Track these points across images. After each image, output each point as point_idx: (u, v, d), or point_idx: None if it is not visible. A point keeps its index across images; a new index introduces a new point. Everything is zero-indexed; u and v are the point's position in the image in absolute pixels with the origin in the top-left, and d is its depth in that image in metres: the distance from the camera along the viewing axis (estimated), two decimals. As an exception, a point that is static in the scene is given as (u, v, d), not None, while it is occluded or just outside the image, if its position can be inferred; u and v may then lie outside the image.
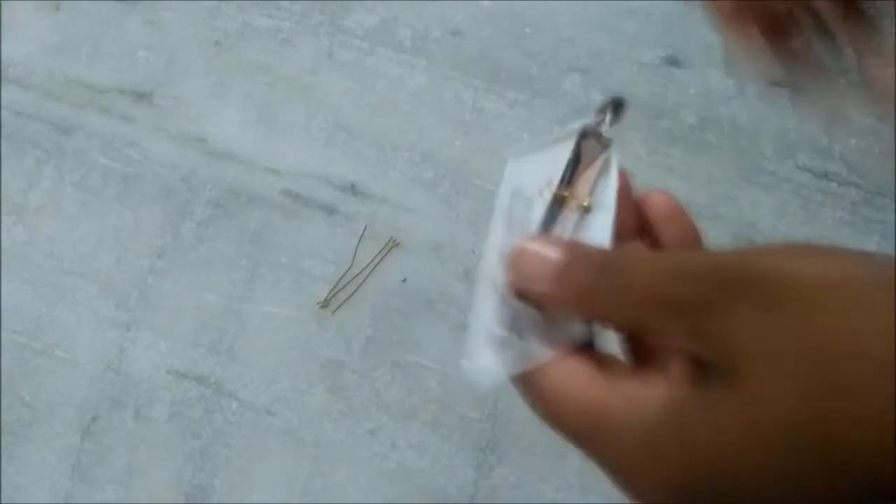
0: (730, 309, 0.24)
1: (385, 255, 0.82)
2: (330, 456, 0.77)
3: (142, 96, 0.89)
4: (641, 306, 0.26)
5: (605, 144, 0.33)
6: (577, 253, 0.29)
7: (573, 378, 0.29)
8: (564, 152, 0.33)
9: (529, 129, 0.87)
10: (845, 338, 0.22)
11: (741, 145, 0.87)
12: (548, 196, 0.32)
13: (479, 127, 0.87)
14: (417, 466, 0.77)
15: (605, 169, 0.33)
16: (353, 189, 0.85)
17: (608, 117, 0.34)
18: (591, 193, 0.32)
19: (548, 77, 0.89)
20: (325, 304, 0.81)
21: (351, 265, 0.82)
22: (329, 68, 0.90)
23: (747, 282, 0.24)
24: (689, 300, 0.25)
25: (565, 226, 0.32)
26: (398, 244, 0.83)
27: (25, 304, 0.82)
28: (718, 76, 0.89)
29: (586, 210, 0.32)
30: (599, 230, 0.31)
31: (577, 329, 0.30)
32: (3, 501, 0.77)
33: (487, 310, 0.32)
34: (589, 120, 0.34)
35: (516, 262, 0.30)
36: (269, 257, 0.83)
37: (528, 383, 0.30)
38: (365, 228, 0.83)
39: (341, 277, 0.81)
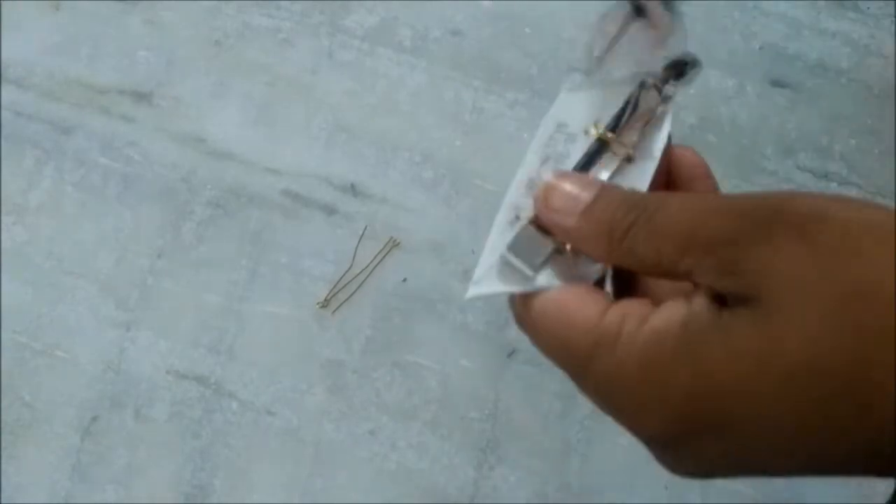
0: (768, 241, 0.23)
1: (385, 255, 0.82)
2: (330, 456, 0.77)
3: (142, 96, 0.89)
4: (671, 241, 0.25)
5: (664, 99, 0.32)
6: (608, 190, 0.28)
7: (583, 300, 0.27)
8: (620, 97, 0.32)
9: (529, 129, 0.87)
10: (883, 283, 0.21)
11: (741, 145, 0.87)
12: (593, 135, 0.31)
13: (479, 127, 0.87)
14: (417, 466, 0.77)
15: (657, 123, 0.32)
16: (353, 189, 0.85)
17: (674, 74, 0.33)
18: (636, 144, 0.31)
19: (548, 77, 0.89)
20: (325, 304, 0.81)
21: (351, 265, 0.82)
22: (329, 68, 0.90)
23: (788, 218, 0.23)
24: (725, 234, 0.24)
25: (602, 170, 0.31)
26: (398, 244, 0.83)
27: (25, 304, 0.82)
28: (718, 76, 0.89)
29: (629, 159, 0.31)
30: (638, 180, 0.30)
31: (592, 272, 0.29)
32: (3, 501, 0.77)
33: (504, 237, 0.31)
34: (655, 73, 0.33)
35: (546, 193, 0.29)
36: (269, 257, 0.83)
37: (533, 303, 0.28)
38: (365, 228, 0.83)
39: (341, 277, 0.81)
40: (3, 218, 0.84)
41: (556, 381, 0.79)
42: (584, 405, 0.78)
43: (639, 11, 0.33)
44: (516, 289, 0.29)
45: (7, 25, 0.91)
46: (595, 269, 0.29)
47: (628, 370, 0.25)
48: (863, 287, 0.22)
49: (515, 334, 0.80)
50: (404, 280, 0.82)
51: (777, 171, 0.86)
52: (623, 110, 0.32)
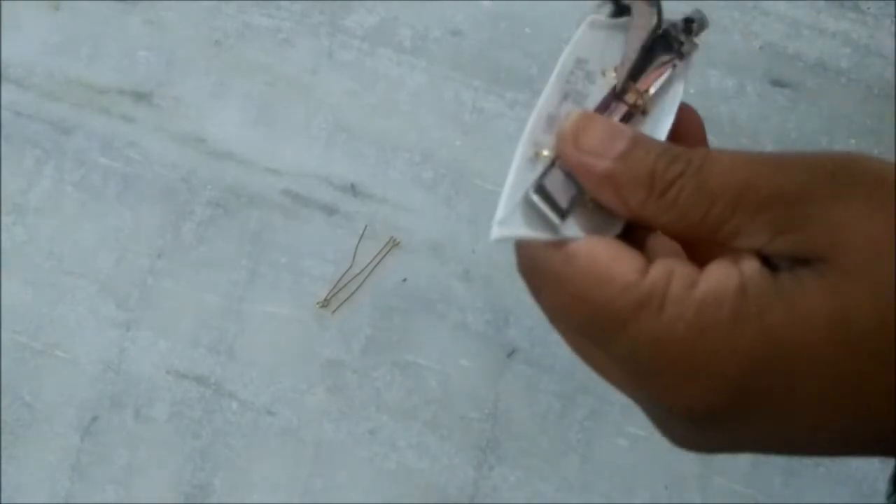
0: (838, 199, 0.21)
1: (385, 255, 0.82)
2: (330, 456, 0.77)
3: (142, 96, 0.89)
4: (723, 196, 0.22)
5: (686, 52, 0.30)
6: (647, 138, 0.24)
7: (619, 253, 0.24)
8: (639, 42, 0.30)
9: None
10: None
11: (741, 145, 0.87)
12: (612, 79, 0.29)
13: (479, 127, 0.87)
14: (417, 466, 0.77)
15: (674, 77, 0.30)
16: (353, 189, 0.85)
17: (694, 27, 0.32)
18: (651, 98, 0.29)
19: (548, 77, 0.89)
20: (325, 303, 0.81)
21: (351, 265, 0.82)
22: (329, 68, 0.90)
23: (858, 177, 0.21)
24: (790, 189, 0.21)
25: (616, 118, 0.29)
26: (398, 244, 0.83)
27: (25, 304, 0.82)
28: (718, 76, 0.89)
29: (643, 112, 0.29)
30: (653, 135, 0.28)
31: (610, 229, 0.26)
32: (3, 501, 0.77)
33: (526, 175, 0.28)
34: (675, 21, 0.31)
35: (577, 132, 0.25)
36: (269, 257, 0.83)
37: (556, 254, 0.25)
38: (365, 228, 0.83)
39: (341, 277, 0.81)
40: (3, 218, 0.84)
41: (556, 381, 0.79)
42: (584, 405, 0.78)
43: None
44: (542, 236, 0.26)
45: (7, 25, 0.91)
46: (613, 227, 0.26)
47: (678, 334, 0.22)
48: None
49: (515, 334, 0.80)
50: (404, 280, 0.82)
51: (777, 171, 0.86)
52: (643, 59, 0.30)
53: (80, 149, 0.87)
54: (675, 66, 0.31)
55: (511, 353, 0.80)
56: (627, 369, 0.24)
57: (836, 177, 0.21)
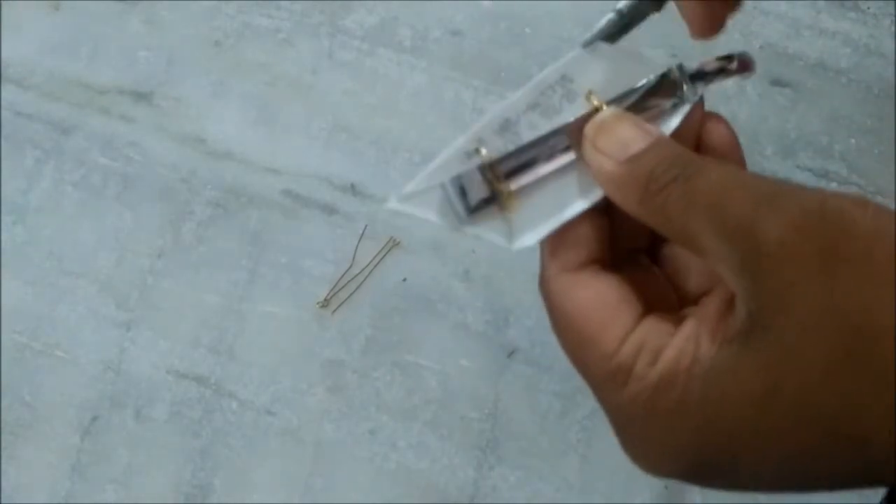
0: (792, 260, 0.22)
1: (385, 254, 0.82)
2: (330, 456, 0.77)
3: (142, 96, 0.89)
4: (698, 212, 0.24)
5: (682, 98, 0.31)
6: (661, 143, 0.26)
7: (615, 313, 0.27)
8: (638, 76, 0.30)
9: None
10: (888, 328, 0.21)
11: (741, 145, 0.87)
12: (594, 104, 0.29)
13: (479, 127, 0.87)
14: (417, 466, 0.77)
15: (668, 115, 0.30)
16: (353, 189, 0.85)
17: (731, 66, 0.32)
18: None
19: (548, 77, 0.89)
20: (325, 304, 0.81)
21: (351, 265, 0.82)
22: (329, 68, 0.90)
23: (818, 225, 0.22)
24: (754, 230, 0.22)
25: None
26: (398, 244, 0.83)
27: (25, 304, 0.82)
28: (718, 76, 0.89)
29: None
30: None
31: (515, 239, 0.28)
32: (3, 501, 0.77)
33: (455, 164, 0.30)
34: (690, 67, 0.31)
35: (596, 133, 0.27)
36: (269, 257, 0.83)
37: (559, 301, 0.29)
38: (365, 228, 0.83)
39: (341, 277, 0.81)
40: (3, 218, 0.84)
41: (556, 381, 0.79)
42: (584, 405, 0.78)
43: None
44: (444, 224, 0.30)
45: (7, 25, 0.91)
46: (516, 239, 0.28)
47: (638, 410, 0.25)
48: (869, 332, 0.21)
49: (515, 334, 0.80)
50: (404, 280, 0.82)
51: (777, 170, 0.86)
52: (633, 91, 0.30)
53: (80, 149, 0.87)
54: (671, 110, 0.31)
55: (511, 353, 0.80)
56: (607, 415, 0.28)
57: (805, 232, 0.22)
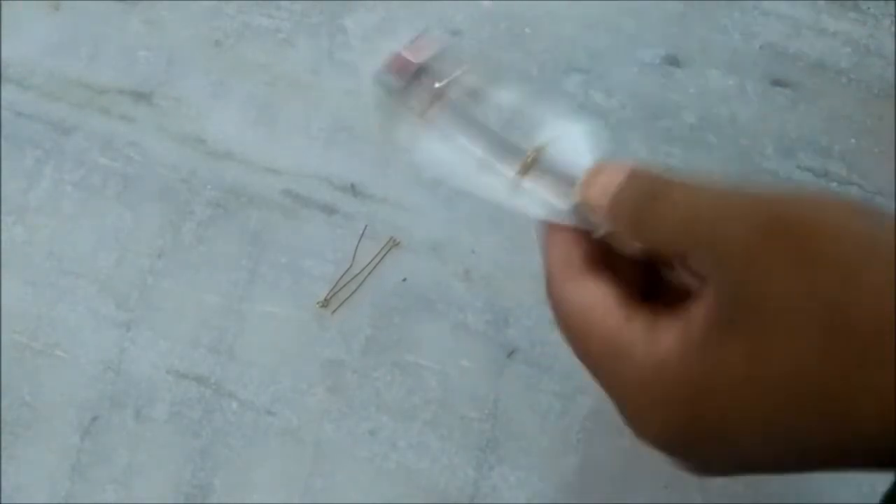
0: (763, 254, 0.24)
1: (385, 254, 0.82)
2: (330, 456, 0.77)
3: (142, 96, 0.89)
4: (678, 235, 0.27)
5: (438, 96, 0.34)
6: (636, 174, 0.29)
7: (608, 310, 0.30)
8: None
9: (529, 129, 0.87)
10: (867, 307, 0.22)
11: (741, 145, 0.87)
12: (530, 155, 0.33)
13: (479, 127, 0.87)
14: (417, 466, 0.77)
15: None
16: (353, 189, 0.85)
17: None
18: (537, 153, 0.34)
19: (548, 77, 0.89)
20: (325, 304, 0.81)
21: (351, 265, 0.82)
22: (329, 68, 0.90)
23: (784, 228, 0.24)
24: (722, 234, 0.25)
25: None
26: (398, 244, 0.83)
27: (25, 304, 0.82)
28: (718, 76, 0.89)
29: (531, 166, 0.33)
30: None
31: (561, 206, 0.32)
32: (3, 501, 0.77)
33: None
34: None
35: (586, 183, 0.31)
36: (269, 257, 0.83)
37: (559, 297, 0.31)
38: (365, 228, 0.83)
39: (341, 277, 0.81)
40: (3, 218, 0.84)
41: (556, 380, 0.79)
42: (584, 405, 0.78)
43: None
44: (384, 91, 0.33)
45: (7, 25, 0.91)
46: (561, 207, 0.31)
47: (636, 387, 0.28)
48: (846, 310, 0.23)
49: (515, 334, 0.80)
50: (404, 280, 0.82)
51: (777, 171, 0.86)
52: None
53: (80, 149, 0.87)
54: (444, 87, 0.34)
55: (511, 353, 0.80)
56: (606, 393, 0.30)
57: (769, 229, 0.24)
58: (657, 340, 0.27)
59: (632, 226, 0.28)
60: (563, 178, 0.31)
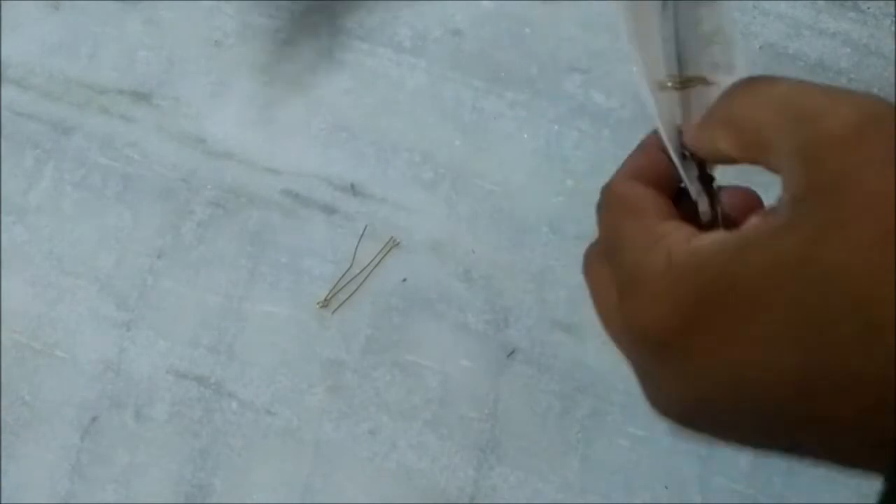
0: (858, 139, 0.22)
1: (385, 255, 0.82)
2: (330, 456, 0.77)
3: (142, 96, 0.89)
4: (768, 108, 0.25)
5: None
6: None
7: (651, 200, 0.29)
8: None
9: (529, 129, 0.87)
10: None
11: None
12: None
13: (479, 127, 0.87)
14: (417, 466, 0.77)
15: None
16: (353, 189, 0.85)
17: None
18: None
19: (548, 77, 0.89)
20: (325, 303, 0.81)
21: (351, 265, 0.82)
22: (329, 68, 0.90)
23: (884, 133, 0.22)
24: (823, 114, 0.23)
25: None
26: (398, 244, 0.83)
27: (25, 304, 0.82)
28: (718, 76, 0.89)
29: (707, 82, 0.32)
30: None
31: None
32: (3, 501, 0.77)
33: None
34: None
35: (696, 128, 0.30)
36: (269, 257, 0.83)
37: (614, 189, 0.30)
38: (365, 228, 0.83)
39: (341, 277, 0.81)
40: (3, 218, 0.84)
41: (556, 381, 0.79)
42: (584, 405, 0.78)
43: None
44: None
45: (7, 25, 0.91)
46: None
47: (653, 271, 0.26)
48: None
49: (515, 334, 0.80)
50: (404, 280, 0.82)
51: (777, 171, 0.86)
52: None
53: (80, 149, 0.87)
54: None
55: (511, 353, 0.80)
56: (618, 288, 0.28)
57: (875, 124, 0.22)
58: (696, 237, 0.26)
59: (728, 111, 0.28)
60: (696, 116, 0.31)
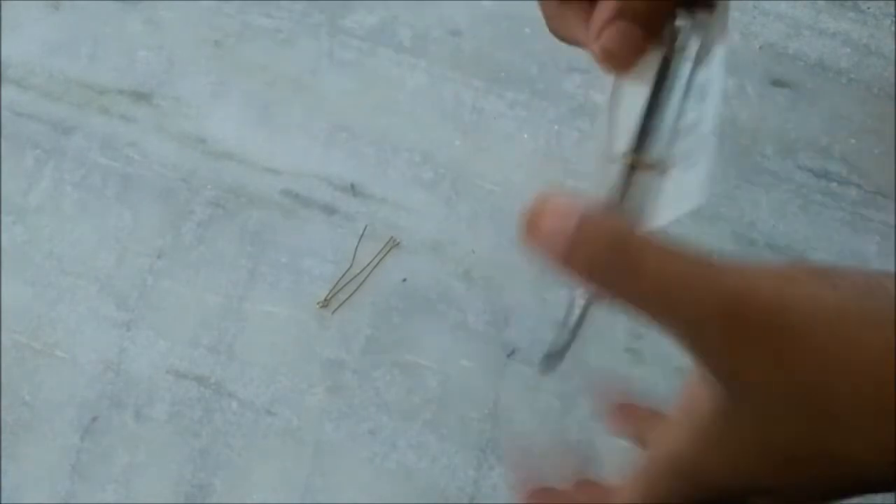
0: (729, 334, 0.25)
1: (385, 255, 0.82)
2: (330, 456, 0.77)
3: (142, 96, 0.89)
4: (649, 299, 0.26)
5: (677, 49, 0.31)
6: (591, 223, 0.27)
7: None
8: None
9: (529, 129, 0.87)
10: (838, 376, 0.24)
11: (741, 145, 0.87)
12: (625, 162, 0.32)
13: (479, 127, 0.87)
14: (417, 466, 0.77)
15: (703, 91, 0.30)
16: (353, 189, 0.85)
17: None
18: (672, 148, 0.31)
19: (548, 77, 0.89)
20: (325, 303, 0.81)
21: (351, 265, 0.82)
22: (329, 68, 0.90)
23: (749, 308, 0.25)
24: (693, 314, 0.25)
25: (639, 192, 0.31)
26: (398, 244, 0.83)
27: (25, 304, 0.82)
28: (718, 76, 0.89)
29: (664, 170, 0.31)
30: (691, 175, 0.30)
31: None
32: (3, 501, 0.77)
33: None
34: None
35: (536, 217, 0.27)
36: (269, 257, 0.83)
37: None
38: (365, 228, 0.83)
39: (341, 277, 0.81)
40: (3, 218, 0.84)
41: (556, 381, 0.79)
42: (584, 405, 0.78)
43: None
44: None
45: (7, 25, 0.91)
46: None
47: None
48: (819, 380, 0.24)
49: (515, 334, 0.80)
50: (404, 280, 0.82)
51: (777, 171, 0.86)
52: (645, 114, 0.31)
53: (80, 149, 0.87)
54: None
55: (511, 353, 0.80)
56: None
57: (733, 310, 0.25)
58: (661, 447, 0.30)
59: (600, 280, 0.27)
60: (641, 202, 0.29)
